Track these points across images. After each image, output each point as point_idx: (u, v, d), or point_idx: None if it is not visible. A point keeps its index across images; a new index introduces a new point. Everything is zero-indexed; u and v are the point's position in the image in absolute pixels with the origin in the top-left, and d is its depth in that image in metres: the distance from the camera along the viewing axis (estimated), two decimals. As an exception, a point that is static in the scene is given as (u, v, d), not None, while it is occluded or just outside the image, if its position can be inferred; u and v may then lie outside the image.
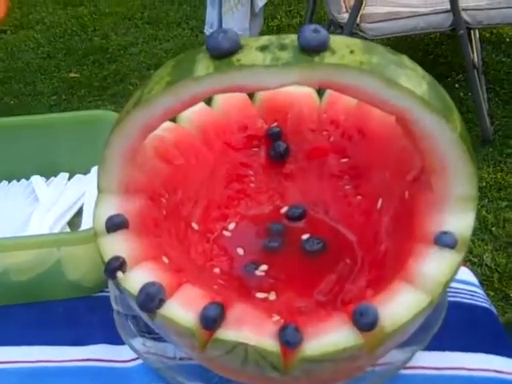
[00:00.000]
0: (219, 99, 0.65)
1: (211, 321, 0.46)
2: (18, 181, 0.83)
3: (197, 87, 0.48)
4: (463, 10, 2.03)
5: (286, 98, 0.65)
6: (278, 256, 0.60)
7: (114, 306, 0.60)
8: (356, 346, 0.46)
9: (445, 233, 0.49)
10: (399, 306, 0.47)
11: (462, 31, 2.04)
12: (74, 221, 0.78)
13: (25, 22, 3.10)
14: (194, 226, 0.61)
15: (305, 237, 0.61)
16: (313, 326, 0.47)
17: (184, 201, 0.60)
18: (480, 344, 0.62)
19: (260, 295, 0.56)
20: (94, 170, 0.80)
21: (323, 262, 0.59)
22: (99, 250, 0.52)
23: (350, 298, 0.54)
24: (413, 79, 0.47)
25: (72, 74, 2.69)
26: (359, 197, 0.62)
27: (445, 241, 0.49)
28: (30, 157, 0.82)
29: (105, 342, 0.64)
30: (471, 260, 1.67)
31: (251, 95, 0.66)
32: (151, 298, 0.48)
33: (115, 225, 0.53)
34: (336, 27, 2.17)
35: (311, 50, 0.46)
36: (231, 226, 0.63)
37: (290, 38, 0.48)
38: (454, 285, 0.66)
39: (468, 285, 0.69)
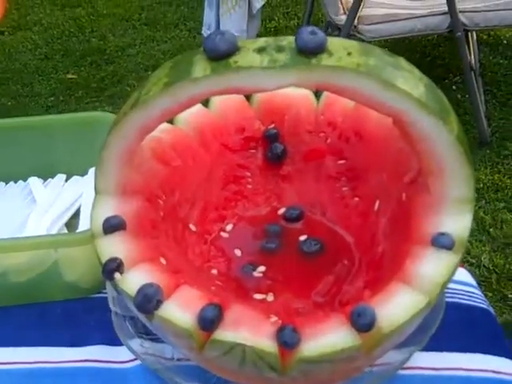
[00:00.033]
0: (216, 101, 0.65)
1: (209, 322, 0.47)
2: (16, 182, 0.83)
3: (194, 89, 0.48)
4: (460, 12, 2.03)
5: (284, 99, 0.65)
6: (275, 257, 0.60)
7: (112, 307, 0.60)
8: (354, 347, 0.46)
9: (442, 234, 0.49)
10: (397, 306, 0.47)
11: (459, 33, 2.05)
12: (72, 222, 0.77)
13: (22, 24, 3.10)
14: (192, 227, 0.61)
15: (302, 238, 0.61)
16: (310, 327, 0.47)
17: (181, 202, 0.60)
18: (478, 344, 0.63)
19: (258, 296, 0.56)
20: (92, 171, 0.80)
21: (321, 263, 0.59)
22: (96, 252, 0.52)
23: (347, 299, 0.54)
24: (410, 81, 0.47)
25: (69, 76, 2.69)
26: (356, 198, 0.62)
27: (442, 242, 0.49)
28: (27, 158, 0.82)
29: (103, 343, 0.64)
30: (469, 261, 1.68)
31: (248, 97, 0.66)
32: (149, 299, 0.48)
33: (112, 226, 0.53)
34: (333, 29, 2.17)
35: (308, 52, 0.46)
36: (228, 227, 0.63)
37: (288, 40, 0.48)
38: (451, 286, 0.66)
39: (466, 286, 0.69)
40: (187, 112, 0.59)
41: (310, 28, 0.47)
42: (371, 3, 2.14)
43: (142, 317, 0.50)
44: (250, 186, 0.65)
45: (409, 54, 2.52)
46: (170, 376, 0.57)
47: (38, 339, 0.65)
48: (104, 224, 0.53)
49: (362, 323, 0.46)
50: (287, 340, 0.46)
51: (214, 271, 0.59)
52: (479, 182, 1.93)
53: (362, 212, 0.61)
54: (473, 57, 2.27)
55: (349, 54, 0.47)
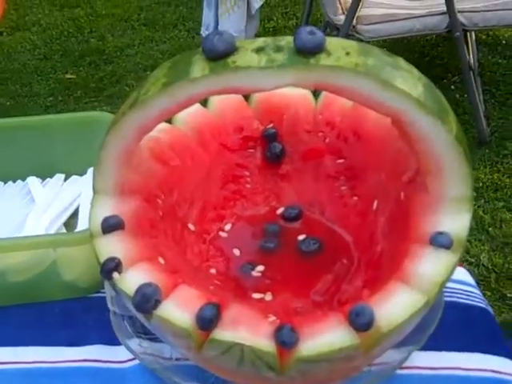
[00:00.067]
0: (215, 100, 0.65)
1: (207, 321, 0.47)
2: (14, 182, 0.83)
3: (192, 89, 0.48)
4: (459, 12, 2.04)
5: (282, 99, 0.65)
6: (274, 257, 0.60)
7: (110, 307, 0.60)
8: (352, 346, 0.46)
9: (440, 233, 0.49)
10: (395, 306, 0.47)
11: (458, 33, 2.05)
12: (70, 222, 0.77)
13: (21, 24, 3.10)
14: (191, 226, 0.61)
15: (301, 237, 0.61)
16: (309, 327, 0.47)
17: (180, 202, 0.60)
18: (476, 344, 0.63)
19: (256, 296, 0.56)
20: (90, 171, 0.80)
21: (319, 262, 0.59)
22: (95, 251, 0.52)
23: (346, 299, 0.54)
24: (408, 81, 0.47)
25: (68, 76, 2.69)
26: (355, 198, 0.62)
27: (440, 241, 0.49)
28: (26, 158, 0.82)
29: (101, 343, 0.64)
30: (468, 260, 1.68)
31: (247, 97, 0.66)
32: (147, 299, 0.48)
33: (111, 226, 0.53)
34: (332, 29, 2.17)
35: (307, 52, 0.46)
36: (227, 226, 0.63)
37: (286, 40, 0.48)
38: (450, 285, 0.66)
39: (464, 285, 0.69)
40: (186, 112, 0.59)
41: (308, 28, 0.47)
42: (370, 3, 2.14)
43: (140, 316, 0.50)
44: (248, 186, 0.65)
45: (407, 54, 2.52)
46: (168, 376, 0.57)
47: (37, 339, 0.65)
48: (102, 224, 0.53)
49: (361, 322, 0.46)
50: (285, 339, 0.46)
51: (213, 271, 0.59)
52: (478, 181, 1.93)
53: (361, 211, 0.61)
54: (471, 57, 2.27)
55: (347, 53, 0.47)
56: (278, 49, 0.47)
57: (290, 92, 0.64)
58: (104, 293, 0.61)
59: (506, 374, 0.60)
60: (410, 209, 0.53)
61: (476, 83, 2.16)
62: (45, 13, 3.19)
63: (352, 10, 2.04)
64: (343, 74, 0.46)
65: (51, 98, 2.54)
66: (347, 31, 2.05)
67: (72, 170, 0.82)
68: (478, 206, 1.84)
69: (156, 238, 0.56)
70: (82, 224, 0.75)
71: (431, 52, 2.63)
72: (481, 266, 1.67)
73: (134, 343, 0.59)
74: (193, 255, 0.59)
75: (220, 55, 0.47)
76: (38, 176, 0.83)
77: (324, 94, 0.65)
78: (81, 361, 0.62)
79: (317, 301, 0.55)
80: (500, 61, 2.55)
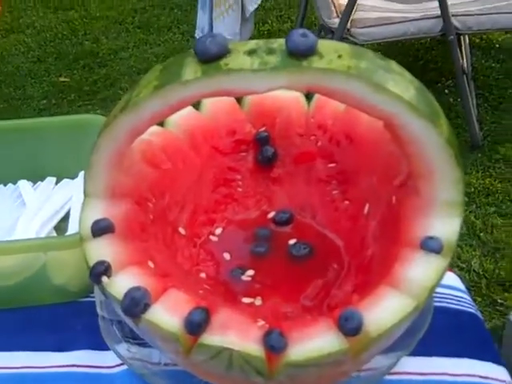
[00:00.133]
0: (207, 103, 0.65)
1: (196, 326, 0.46)
2: (5, 185, 0.83)
3: (184, 91, 0.48)
4: (453, 15, 2.04)
5: (274, 102, 0.65)
6: (264, 261, 0.60)
7: (99, 312, 0.60)
8: (341, 351, 0.46)
9: (431, 238, 0.49)
10: (384, 310, 0.47)
11: (451, 37, 2.05)
12: (61, 225, 0.77)
13: (15, 26, 3.09)
14: (181, 230, 0.60)
15: (292, 242, 0.61)
16: (298, 331, 0.47)
17: (171, 205, 0.60)
18: (466, 349, 0.62)
19: (246, 300, 0.56)
20: (82, 174, 0.80)
21: (310, 267, 0.59)
22: (84, 255, 0.52)
23: (336, 303, 0.54)
24: (400, 84, 0.47)
25: (62, 79, 2.69)
26: (346, 202, 0.62)
27: (431, 246, 0.49)
28: (17, 161, 0.82)
29: (89, 348, 0.63)
30: (459, 265, 1.68)
31: (239, 99, 0.66)
32: (136, 303, 0.48)
33: (101, 229, 0.53)
34: (327, 32, 2.17)
35: (299, 55, 0.46)
36: (218, 230, 0.63)
37: (278, 43, 0.48)
38: (440, 290, 0.66)
39: (454, 290, 0.69)
40: (178, 114, 0.59)
41: (300, 30, 0.47)
42: (364, 7, 2.15)
43: (128, 321, 0.50)
44: (240, 189, 0.65)
45: (401, 58, 2.53)
46: (156, 381, 0.57)
47: (25, 343, 0.64)
48: (92, 227, 0.53)
49: (349, 327, 0.46)
50: (274, 344, 0.46)
51: (203, 275, 0.59)
52: (470, 186, 1.93)
53: (352, 215, 0.61)
54: (465, 60, 2.28)
55: (339, 56, 0.47)
56: (271, 51, 0.47)
57: (283, 95, 0.64)
58: (93, 297, 0.61)
59: (494, 379, 0.60)
60: (401, 213, 0.53)
61: (469, 87, 2.17)
62: (39, 15, 3.19)
63: (346, 14, 2.04)
64: (335, 77, 0.46)
65: (45, 101, 2.54)
66: (342, 34, 2.06)
67: (64, 173, 0.82)
68: (470, 212, 1.84)
69: (146, 241, 0.55)
70: (73, 227, 0.75)
71: (425, 56, 2.64)
72: (472, 272, 1.67)
73: (123, 348, 0.58)
74: (183, 259, 0.59)
75: (212, 57, 0.47)
76: (29, 179, 0.82)
77: (316, 96, 0.65)
78: (69, 366, 0.62)
79: (306, 305, 0.55)
80: (493, 65, 2.56)
